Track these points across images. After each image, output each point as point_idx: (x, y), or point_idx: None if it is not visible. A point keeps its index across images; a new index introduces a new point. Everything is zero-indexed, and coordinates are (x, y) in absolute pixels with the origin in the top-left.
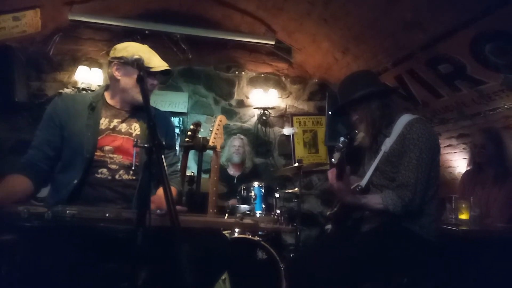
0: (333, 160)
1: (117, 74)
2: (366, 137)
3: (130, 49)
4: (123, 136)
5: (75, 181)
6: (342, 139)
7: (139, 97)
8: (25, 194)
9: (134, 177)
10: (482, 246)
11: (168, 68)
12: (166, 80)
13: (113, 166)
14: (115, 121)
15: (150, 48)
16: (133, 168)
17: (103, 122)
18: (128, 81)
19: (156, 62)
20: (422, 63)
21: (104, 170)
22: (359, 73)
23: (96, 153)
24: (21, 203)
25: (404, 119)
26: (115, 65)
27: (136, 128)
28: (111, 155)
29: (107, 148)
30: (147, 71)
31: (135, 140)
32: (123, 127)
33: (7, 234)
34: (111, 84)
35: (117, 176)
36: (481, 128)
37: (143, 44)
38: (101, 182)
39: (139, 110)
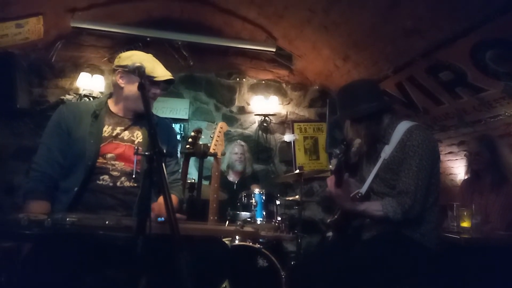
0: (330, 166)
1: (120, 82)
2: (363, 145)
3: (134, 58)
4: (125, 143)
5: (76, 189)
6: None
7: (142, 105)
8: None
9: (135, 184)
10: (484, 254)
11: (171, 77)
12: (167, 86)
13: (115, 173)
14: (118, 129)
15: (152, 55)
16: (133, 176)
17: (106, 130)
18: (131, 89)
19: (159, 72)
20: (423, 70)
21: (106, 177)
22: (362, 83)
23: (98, 160)
24: None
25: (403, 126)
26: (119, 73)
27: (138, 136)
28: (113, 162)
29: (109, 155)
30: (150, 80)
31: (136, 148)
32: (126, 134)
33: (7, 242)
34: (115, 91)
35: (118, 183)
36: (476, 136)
37: (144, 50)
38: (102, 189)
39: (141, 118)
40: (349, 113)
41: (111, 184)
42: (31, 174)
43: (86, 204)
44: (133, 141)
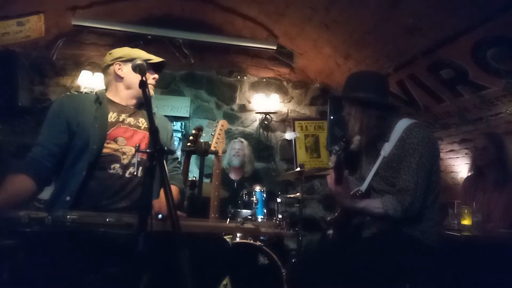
0: (330, 163)
1: (120, 72)
2: (363, 136)
3: (126, 50)
4: (132, 128)
5: (84, 173)
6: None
7: None
8: (28, 195)
9: (141, 174)
10: (484, 252)
11: (163, 60)
12: (168, 84)
13: (125, 162)
14: (123, 115)
15: (153, 53)
16: (135, 173)
17: (112, 116)
18: (133, 76)
19: (151, 56)
20: (424, 68)
21: (117, 166)
22: (375, 74)
23: (109, 146)
24: (24, 203)
25: (403, 124)
26: (117, 65)
27: (143, 122)
28: (123, 147)
29: (120, 139)
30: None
31: (137, 145)
32: (131, 120)
33: (8, 239)
34: (114, 84)
35: (127, 174)
36: (484, 132)
37: (145, 48)
38: (111, 178)
39: (143, 105)
40: (352, 95)
41: (120, 173)
42: (25, 158)
43: (93, 193)
44: (139, 127)
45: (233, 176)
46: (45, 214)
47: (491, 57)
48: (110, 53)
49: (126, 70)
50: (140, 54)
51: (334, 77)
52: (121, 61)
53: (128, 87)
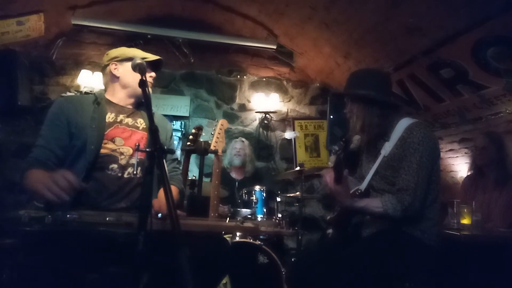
0: (329, 163)
1: (116, 72)
2: (362, 137)
3: (122, 50)
4: (130, 128)
5: (83, 174)
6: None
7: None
8: None
9: (140, 175)
10: (484, 251)
11: (160, 58)
12: (168, 84)
13: (123, 162)
14: (121, 116)
15: (153, 52)
16: (135, 172)
17: (110, 116)
18: (129, 75)
19: (147, 54)
20: (424, 67)
21: (115, 167)
22: (378, 72)
23: (107, 146)
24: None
25: (403, 123)
26: (113, 64)
27: (141, 122)
28: (121, 147)
29: (118, 139)
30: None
31: (137, 144)
32: (129, 121)
33: (8, 239)
34: (111, 85)
35: (125, 174)
36: (484, 131)
37: (145, 48)
38: (110, 179)
39: (141, 106)
40: (364, 93)
41: (119, 174)
42: (26, 159)
43: (93, 194)
44: (137, 127)
45: (234, 175)
46: (45, 213)
47: (491, 57)
48: (107, 54)
49: (121, 70)
50: (136, 53)
51: (334, 77)
52: (117, 60)
53: (124, 87)
